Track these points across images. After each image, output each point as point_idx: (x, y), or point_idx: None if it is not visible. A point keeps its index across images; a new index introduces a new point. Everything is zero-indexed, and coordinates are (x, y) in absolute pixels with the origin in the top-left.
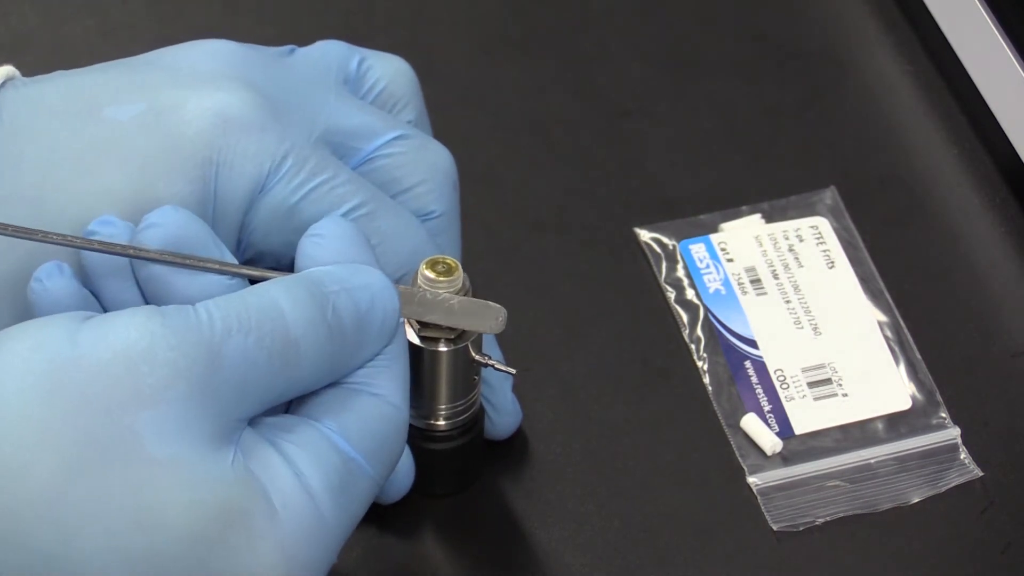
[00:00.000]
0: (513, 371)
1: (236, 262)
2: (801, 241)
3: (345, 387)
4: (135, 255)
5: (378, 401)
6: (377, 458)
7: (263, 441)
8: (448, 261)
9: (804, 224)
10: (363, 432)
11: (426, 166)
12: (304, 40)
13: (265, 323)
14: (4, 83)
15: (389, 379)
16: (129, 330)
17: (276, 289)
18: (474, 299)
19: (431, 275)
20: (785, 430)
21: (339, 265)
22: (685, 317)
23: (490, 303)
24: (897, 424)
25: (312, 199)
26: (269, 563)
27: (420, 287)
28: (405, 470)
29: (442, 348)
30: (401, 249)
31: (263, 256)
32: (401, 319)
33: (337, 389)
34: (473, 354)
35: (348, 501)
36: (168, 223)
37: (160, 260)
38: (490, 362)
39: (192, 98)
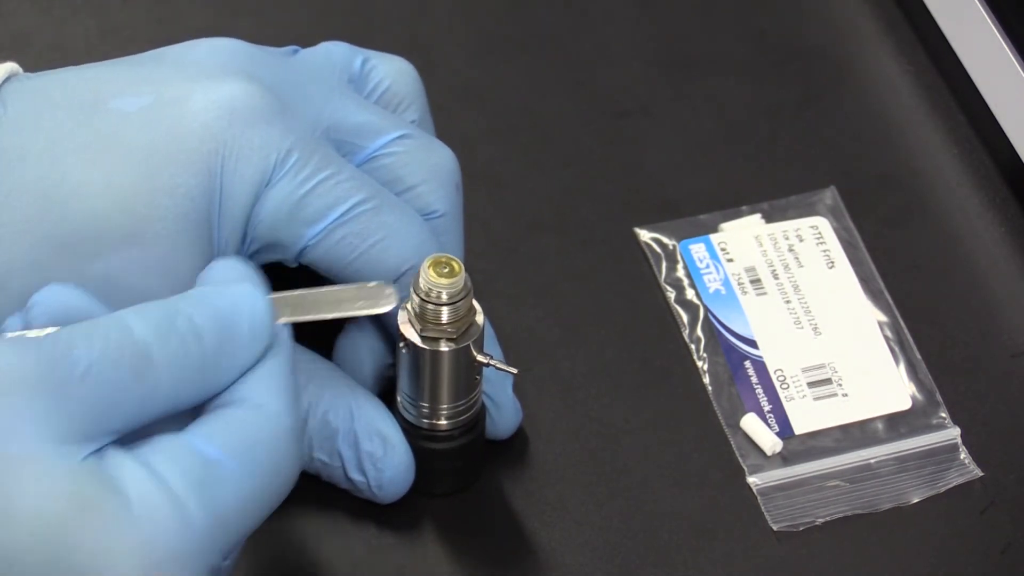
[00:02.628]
0: (515, 371)
1: None
2: (801, 241)
3: (220, 398)
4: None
5: (248, 407)
6: (248, 457)
7: (121, 451)
8: (452, 263)
9: (804, 224)
10: (227, 433)
11: (429, 166)
12: (304, 41)
13: (111, 334)
14: (8, 78)
15: (263, 385)
16: None
17: (126, 311)
18: (360, 284)
19: (432, 276)
20: (785, 430)
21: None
22: (685, 317)
23: (377, 283)
24: (897, 424)
25: (318, 193)
26: (127, 550)
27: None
28: (405, 470)
29: (444, 348)
30: (405, 244)
31: (269, 249)
32: (283, 324)
33: (213, 402)
34: (475, 353)
35: (213, 496)
36: (47, 301)
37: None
38: (492, 362)
39: (198, 91)
